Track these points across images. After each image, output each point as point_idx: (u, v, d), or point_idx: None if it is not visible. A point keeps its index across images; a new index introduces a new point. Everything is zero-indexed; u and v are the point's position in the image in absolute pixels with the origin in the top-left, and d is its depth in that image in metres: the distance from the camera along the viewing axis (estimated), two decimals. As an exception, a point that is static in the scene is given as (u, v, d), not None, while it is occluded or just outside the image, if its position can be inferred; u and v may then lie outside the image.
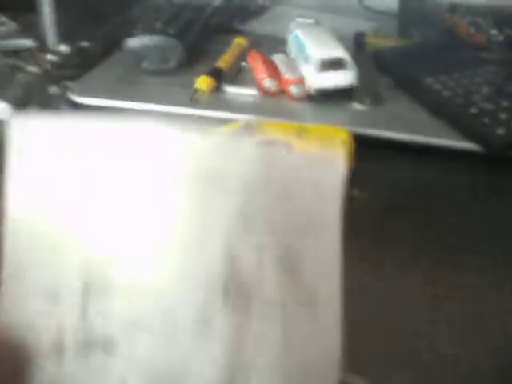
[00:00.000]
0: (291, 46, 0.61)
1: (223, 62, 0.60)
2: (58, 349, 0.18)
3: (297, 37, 0.60)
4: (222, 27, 0.72)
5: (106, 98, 0.54)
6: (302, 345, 0.20)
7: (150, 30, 0.59)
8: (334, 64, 0.55)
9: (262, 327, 0.20)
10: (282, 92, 0.56)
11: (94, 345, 0.18)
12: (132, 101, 0.54)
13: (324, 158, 0.21)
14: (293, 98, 0.56)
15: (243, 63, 0.61)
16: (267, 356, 0.20)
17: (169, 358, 0.19)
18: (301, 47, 0.58)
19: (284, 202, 0.20)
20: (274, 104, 0.56)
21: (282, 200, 0.20)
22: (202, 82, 0.55)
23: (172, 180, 0.19)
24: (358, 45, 0.68)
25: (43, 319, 0.18)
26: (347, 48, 0.57)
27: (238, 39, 0.65)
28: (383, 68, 0.61)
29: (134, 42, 0.58)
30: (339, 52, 0.56)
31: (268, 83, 0.56)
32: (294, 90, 0.55)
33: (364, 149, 0.45)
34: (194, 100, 0.54)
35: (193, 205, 0.19)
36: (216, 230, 0.19)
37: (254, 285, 0.19)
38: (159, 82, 0.58)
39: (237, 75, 0.59)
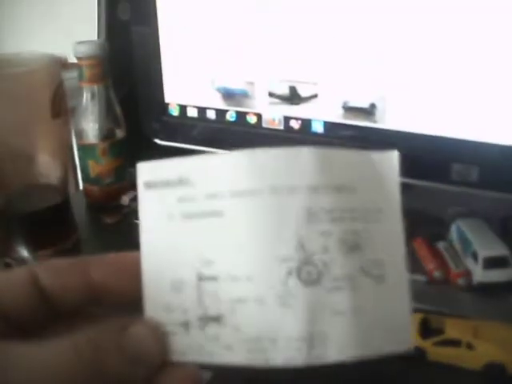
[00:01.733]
0: (453, 235, 0.68)
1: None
2: (185, 325, 0.24)
3: (459, 228, 0.67)
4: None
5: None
6: (373, 310, 0.24)
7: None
8: (497, 261, 0.62)
9: (333, 298, 0.23)
10: (447, 280, 0.63)
11: (209, 319, 0.24)
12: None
13: (379, 156, 0.25)
14: (457, 288, 0.62)
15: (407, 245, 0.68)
16: (340, 323, 0.23)
17: (261, 326, 0.24)
18: (465, 241, 0.65)
19: (345, 195, 0.24)
20: (441, 292, 0.62)
21: (342, 194, 0.24)
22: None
23: (254, 193, 0.24)
24: (503, 229, 0.74)
25: (174, 305, 0.25)
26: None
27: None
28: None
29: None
30: (503, 250, 0.62)
31: (437, 274, 0.63)
32: (459, 281, 0.62)
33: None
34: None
35: (268, 208, 0.24)
36: (287, 225, 0.23)
37: (322, 264, 0.23)
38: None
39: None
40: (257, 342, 0.24)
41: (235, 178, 0.24)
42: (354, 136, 0.60)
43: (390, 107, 0.58)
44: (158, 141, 0.73)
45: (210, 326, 0.24)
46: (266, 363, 0.24)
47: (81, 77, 0.77)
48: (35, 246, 0.66)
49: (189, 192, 0.24)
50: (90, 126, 0.79)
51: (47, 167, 0.70)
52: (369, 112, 0.59)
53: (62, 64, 0.76)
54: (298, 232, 0.23)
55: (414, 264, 0.66)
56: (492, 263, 0.62)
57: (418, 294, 0.62)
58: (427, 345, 0.53)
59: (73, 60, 0.81)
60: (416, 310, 0.58)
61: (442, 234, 0.70)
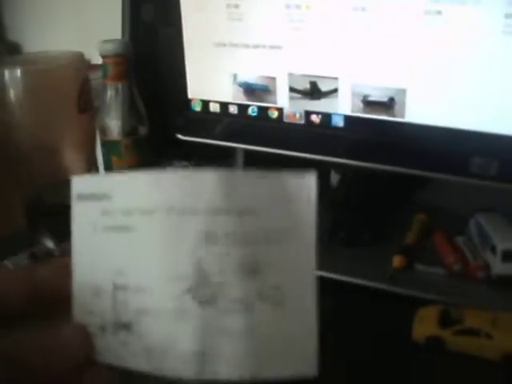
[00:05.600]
0: (472, 230, 0.69)
1: (410, 239, 0.68)
2: (103, 329, 0.27)
3: (478, 223, 0.68)
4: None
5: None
6: (271, 333, 0.25)
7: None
8: (516, 254, 0.62)
9: (226, 320, 0.24)
10: (466, 273, 0.64)
11: (121, 326, 0.26)
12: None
13: (294, 178, 0.25)
14: (476, 280, 0.63)
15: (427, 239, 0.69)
16: (232, 343, 0.24)
17: (158, 337, 0.26)
18: (484, 235, 0.65)
19: (247, 218, 0.24)
20: (460, 285, 0.63)
21: (244, 217, 0.24)
22: (398, 261, 0.64)
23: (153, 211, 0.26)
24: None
25: (94, 309, 0.27)
26: None
27: (419, 216, 0.74)
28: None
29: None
30: (521, 244, 0.63)
31: (456, 267, 0.63)
32: (478, 274, 0.63)
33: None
34: (393, 278, 0.62)
35: (169, 228, 0.25)
36: (184, 245, 0.25)
37: (218, 286, 0.24)
38: (349, 253, 0.68)
39: (423, 253, 0.68)
40: (154, 352, 0.26)
41: (145, 196, 0.26)
42: (374, 130, 0.61)
43: (409, 101, 0.59)
44: (180, 136, 0.74)
45: (121, 333, 0.27)
46: (161, 373, 0.25)
47: (105, 74, 0.79)
48: (60, 237, 0.68)
49: (109, 206, 0.27)
50: (114, 123, 0.80)
51: (73, 161, 0.71)
52: (388, 106, 0.60)
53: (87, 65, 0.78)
54: (196, 253, 0.25)
55: (434, 258, 0.67)
56: (510, 256, 0.62)
57: (438, 286, 0.63)
58: (446, 334, 0.54)
59: (96, 61, 0.83)
60: (436, 303, 0.59)
61: (461, 229, 0.71)
